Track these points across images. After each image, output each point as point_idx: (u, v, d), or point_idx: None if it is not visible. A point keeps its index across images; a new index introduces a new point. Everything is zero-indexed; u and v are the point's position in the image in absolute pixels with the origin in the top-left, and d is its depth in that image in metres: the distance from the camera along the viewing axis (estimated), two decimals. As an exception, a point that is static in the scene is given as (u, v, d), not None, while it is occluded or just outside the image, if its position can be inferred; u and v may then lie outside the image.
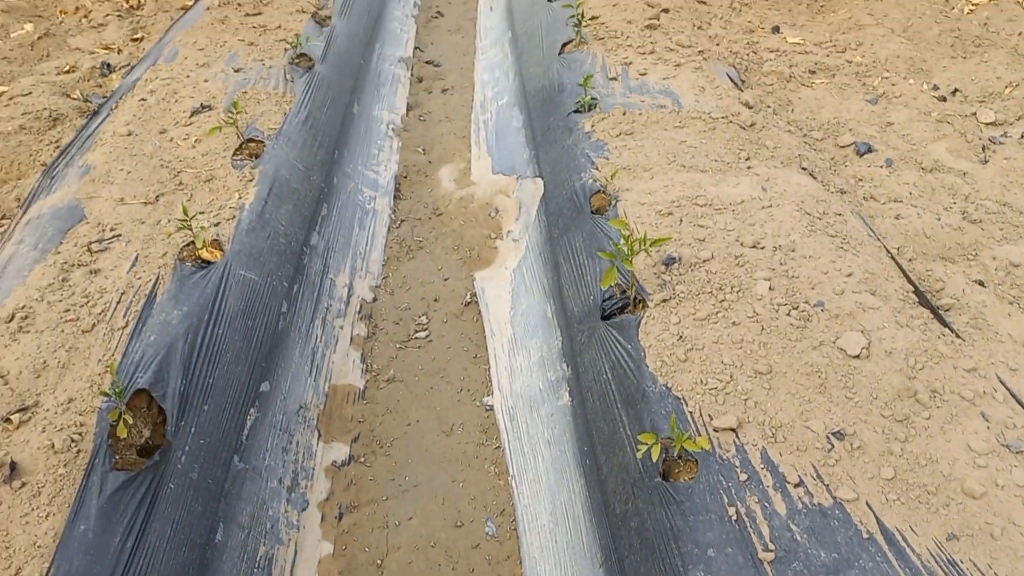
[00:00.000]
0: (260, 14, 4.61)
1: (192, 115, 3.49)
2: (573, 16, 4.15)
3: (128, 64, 4.40)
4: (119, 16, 4.94)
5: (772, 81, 4.22)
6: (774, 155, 3.30)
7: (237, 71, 3.88)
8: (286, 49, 4.10)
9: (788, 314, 2.41)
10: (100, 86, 4.18)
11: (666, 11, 4.57)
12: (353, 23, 4.89)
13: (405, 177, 3.91)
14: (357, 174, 3.76)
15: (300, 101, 3.71)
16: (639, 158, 3.20)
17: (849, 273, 2.56)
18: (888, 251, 2.84)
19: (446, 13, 5.91)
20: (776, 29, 4.94)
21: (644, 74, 3.83)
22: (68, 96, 4.01)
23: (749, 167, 3.17)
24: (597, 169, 3.16)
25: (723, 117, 3.48)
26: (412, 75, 4.93)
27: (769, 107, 3.85)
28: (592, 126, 3.44)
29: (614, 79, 3.80)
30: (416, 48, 5.31)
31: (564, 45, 4.26)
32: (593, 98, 3.60)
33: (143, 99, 3.60)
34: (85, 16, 4.96)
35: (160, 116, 3.48)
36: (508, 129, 4.16)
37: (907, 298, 2.55)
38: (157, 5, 5.22)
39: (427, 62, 5.13)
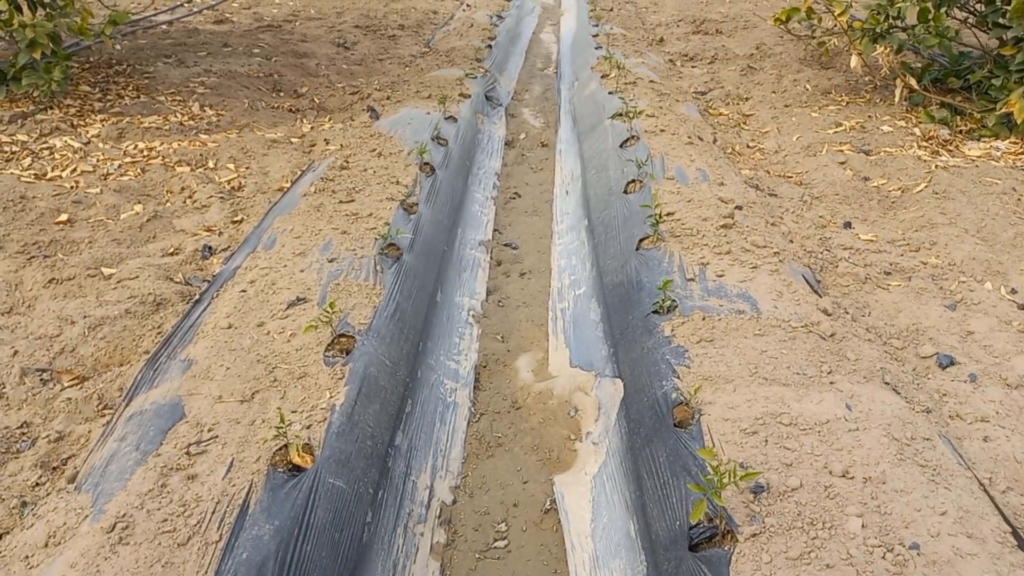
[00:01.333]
0: (352, 201, 4.91)
1: (288, 307, 3.67)
2: (651, 216, 4.32)
3: (228, 247, 4.69)
4: (221, 198, 5.31)
5: (848, 283, 4.26)
6: (856, 368, 3.29)
7: (331, 261, 4.10)
8: (376, 239, 4.33)
9: (883, 556, 2.34)
10: (201, 269, 4.44)
11: (739, 208, 4.72)
12: (438, 210, 5.16)
13: (484, 367, 3.99)
14: (439, 365, 3.86)
15: (388, 293, 3.88)
16: (720, 368, 3.23)
17: (943, 512, 2.49)
18: (980, 482, 2.76)
19: (523, 194, 6.19)
20: (848, 225, 5.04)
21: (722, 276, 3.92)
22: (171, 279, 4.27)
23: (832, 382, 3.17)
24: (679, 378, 3.20)
25: (803, 326, 3.51)
26: (491, 258, 5.12)
27: (847, 312, 3.87)
28: (672, 330, 3.51)
29: (692, 280, 3.89)
30: (495, 230, 5.54)
31: (641, 240, 4.40)
32: (672, 300, 3.69)
33: (243, 290, 3.81)
34: (190, 197, 5.33)
35: (258, 308, 3.67)
36: (585, 321, 4.26)
37: (1005, 540, 2.46)
38: (256, 187, 5.60)
39: (505, 244, 5.34)
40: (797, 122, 6.95)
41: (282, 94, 8.11)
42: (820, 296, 3.90)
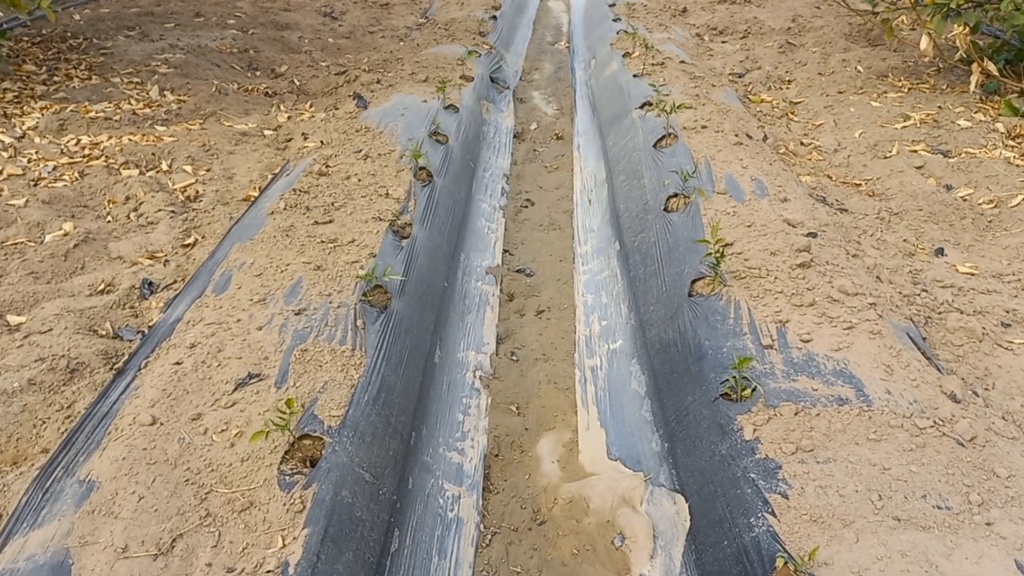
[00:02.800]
0: (331, 222, 3.95)
1: (236, 389, 2.74)
2: (709, 254, 3.37)
3: (173, 283, 3.74)
4: (172, 212, 4.35)
5: (961, 341, 3.33)
6: (1014, 494, 2.37)
7: (298, 313, 3.16)
8: (358, 280, 3.38)
9: None
10: (136, 315, 3.50)
11: (813, 235, 3.76)
12: (436, 230, 4.20)
13: (496, 455, 3.08)
14: (438, 462, 2.94)
15: (371, 363, 2.94)
16: (831, 500, 2.31)
17: None
18: None
19: (537, 201, 5.24)
20: (940, 251, 4.10)
21: (808, 340, 2.98)
22: (95, 332, 3.33)
23: (988, 523, 2.25)
24: (774, 515, 2.28)
25: (931, 424, 2.58)
26: (501, 290, 4.18)
27: (976, 395, 2.94)
28: (755, 431, 2.58)
29: (770, 347, 2.96)
30: (505, 251, 4.59)
31: (694, 282, 3.46)
32: (749, 381, 2.76)
33: (179, 362, 2.87)
34: (135, 210, 4.37)
35: (196, 390, 2.73)
36: (625, 391, 3.33)
37: None
38: (216, 196, 4.63)
39: (518, 270, 4.39)
40: (856, 113, 5.95)
41: (258, 73, 7.10)
42: (940, 371, 2.97)
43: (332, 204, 4.16)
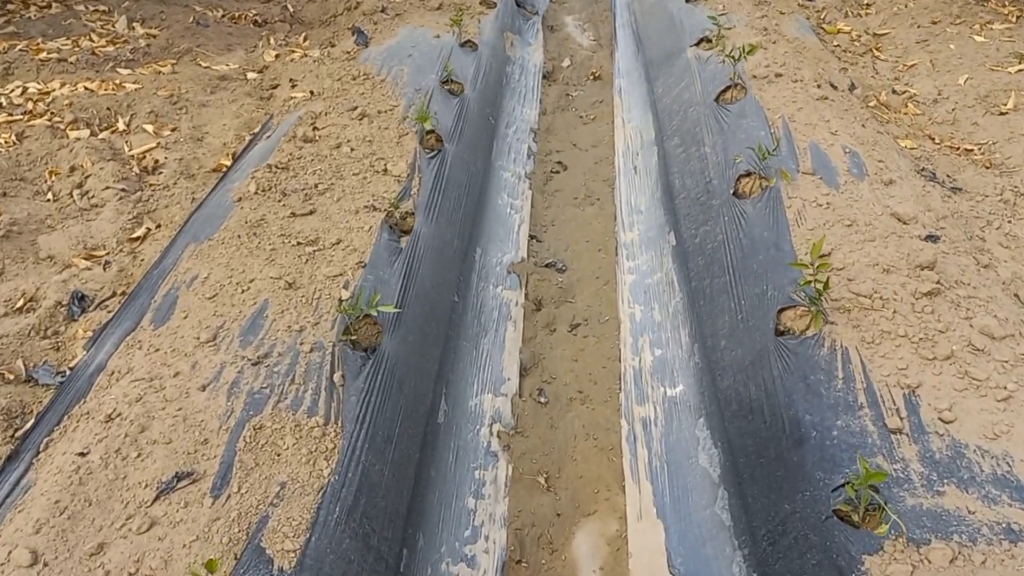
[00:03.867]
0: (312, 213, 3.12)
1: (157, 498, 1.98)
2: (805, 280, 2.50)
3: (111, 296, 2.95)
4: (123, 190, 3.53)
5: None
6: None
7: (257, 363, 2.37)
8: (339, 309, 2.57)
9: None
10: (58, 347, 2.73)
11: (933, 238, 2.87)
12: (444, 220, 3.35)
13: (519, 561, 2.32)
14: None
15: (350, 448, 2.16)
16: None
17: None
18: None
19: (571, 165, 4.34)
20: (1092, 253, 3.17)
21: (951, 421, 2.15)
22: (1, 376, 2.57)
23: None
24: None
25: None
26: (526, 295, 3.36)
27: None
28: (890, 587, 1.78)
29: (898, 432, 2.13)
30: (531, 238, 3.74)
31: (782, 311, 2.61)
32: (876, 491, 1.94)
33: (84, 452, 2.10)
34: (79, 185, 3.56)
35: (103, 500, 1.98)
36: (691, 468, 2.53)
37: None
38: (181, 166, 3.79)
39: (547, 264, 3.55)
40: (957, 52, 4.90)
41: (247, -3, 6.11)
42: None
43: (315, 186, 3.31)
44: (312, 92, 4.31)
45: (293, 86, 4.53)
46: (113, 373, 2.43)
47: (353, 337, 2.53)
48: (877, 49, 5.18)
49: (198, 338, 2.49)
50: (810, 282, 2.49)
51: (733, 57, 4.01)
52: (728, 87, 4.12)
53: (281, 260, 2.85)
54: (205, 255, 2.92)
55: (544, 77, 5.35)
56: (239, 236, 2.99)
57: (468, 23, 5.09)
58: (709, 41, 4.77)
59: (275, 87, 4.67)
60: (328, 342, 2.47)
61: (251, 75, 4.81)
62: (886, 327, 2.46)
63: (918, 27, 5.39)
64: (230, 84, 4.67)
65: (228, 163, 3.83)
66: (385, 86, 4.24)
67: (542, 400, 2.86)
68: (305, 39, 5.42)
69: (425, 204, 3.32)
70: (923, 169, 3.67)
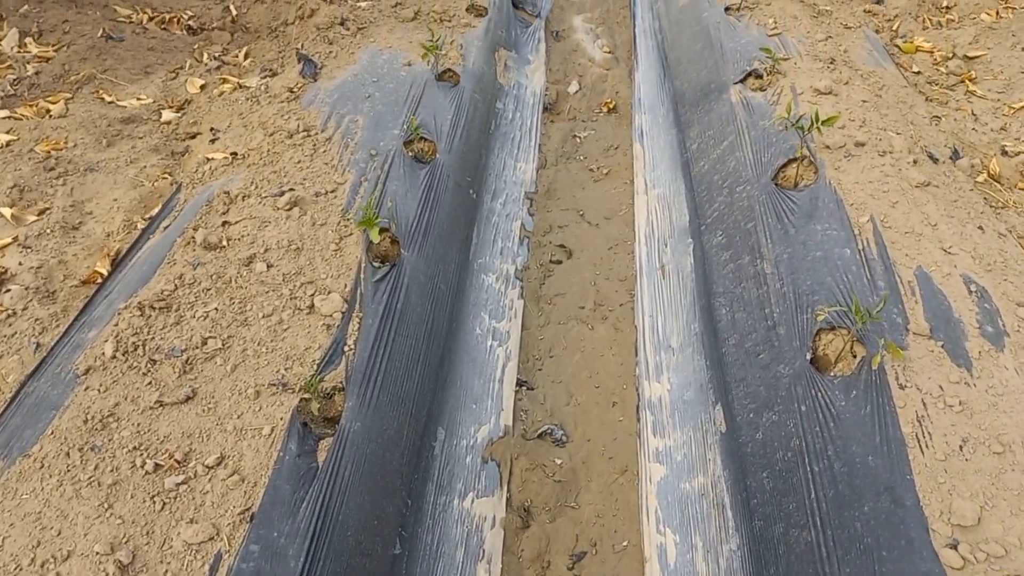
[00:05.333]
0: (189, 399, 2.12)
1: None
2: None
3: None
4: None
5: None
6: None
7: None
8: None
9: None
10: None
11: None
12: (391, 391, 2.32)
13: None
14: None
15: None
16: None
17: None
18: None
19: (576, 249, 3.32)
20: None
21: None
22: None
23: None
24: None
25: None
26: (508, 503, 2.35)
27: None
28: None
29: None
30: (521, 385, 2.71)
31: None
32: None
33: None
34: None
35: None
36: None
37: None
38: (36, 281, 2.76)
39: (540, 434, 2.55)
40: (1083, 90, 3.77)
41: (184, -6, 4.97)
42: None
43: (203, 344, 2.27)
44: (234, 154, 3.24)
45: (214, 139, 3.45)
46: None
47: None
48: (971, 80, 4.05)
49: None
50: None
51: (801, 128, 2.90)
52: (791, 160, 3.04)
53: (123, 508, 1.84)
54: (10, 491, 1.90)
55: (545, 109, 4.25)
56: (67, 454, 1.97)
57: (449, 44, 3.97)
58: (759, 77, 3.66)
59: (193, 136, 3.58)
60: None
61: (167, 114, 3.72)
62: None
63: (1019, 39, 4.24)
64: (136, 130, 3.59)
65: (106, 271, 2.79)
66: (330, 149, 3.17)
67: None
68: (246, 55, 4.30)
69: (364, 370, 2.28)
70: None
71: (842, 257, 2.50)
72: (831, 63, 3.71)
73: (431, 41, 3.68)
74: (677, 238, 3.19)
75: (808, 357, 2.27)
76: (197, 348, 2.26)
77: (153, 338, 2.29)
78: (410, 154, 3.20)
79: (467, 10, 4.45)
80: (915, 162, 2.99)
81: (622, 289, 3.12)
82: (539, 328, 2.96)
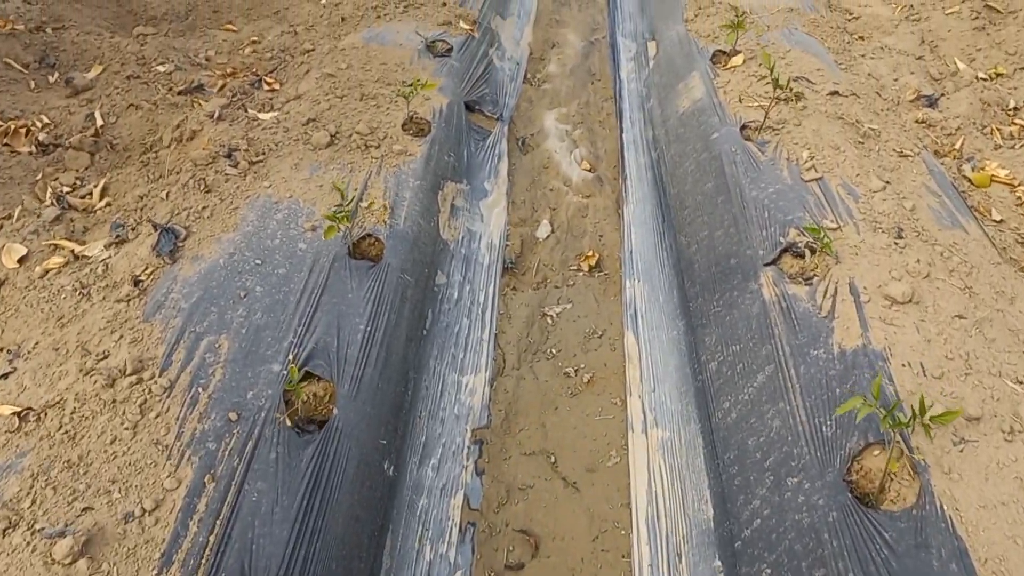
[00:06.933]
0: None
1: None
2: None
3: None
4: None
5: None
6: None
7: None
8: None
9: None
10: None
11: None
12: None
13: None
14: None
15: None
16: None
17: None
18: None
19: (545, 537, 2.20)
20: None
21: None
22: None
23: None
24: None
25: None
26: None
27: None
28: None
29: None
30: None
31: None
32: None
33: None
34: None
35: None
36: None
37: None
38: None
39: None
40: None
41: (51, 80, 3.87)
42: None
43: None
44: (27, 410, 2.12)
45: (5, 374, 2.32)
46: None
47: None
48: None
49: None
50: None
51: (896, 423, 1.82)
52: (871, 444, 1.97)
53: None
54: None
55: (506, 270, 3.17)
56: None
57: (373, 190, 2.87)
58: (800, 256, 2.60)
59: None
60: None
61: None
62: None
63: None
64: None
65: None
66: (168, 409, 2.08)
67: None
68: (103, 193, 3.18)
69: None
70: None
71: None
72: (899, 237, 2.66)
73: (340, 206, 2.58)
74: (696, 550, 2.11)
75: None
76: None
77: None
78: (293, 412, 2.10)
79: (403, 127, 3.35)
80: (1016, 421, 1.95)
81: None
82: None
